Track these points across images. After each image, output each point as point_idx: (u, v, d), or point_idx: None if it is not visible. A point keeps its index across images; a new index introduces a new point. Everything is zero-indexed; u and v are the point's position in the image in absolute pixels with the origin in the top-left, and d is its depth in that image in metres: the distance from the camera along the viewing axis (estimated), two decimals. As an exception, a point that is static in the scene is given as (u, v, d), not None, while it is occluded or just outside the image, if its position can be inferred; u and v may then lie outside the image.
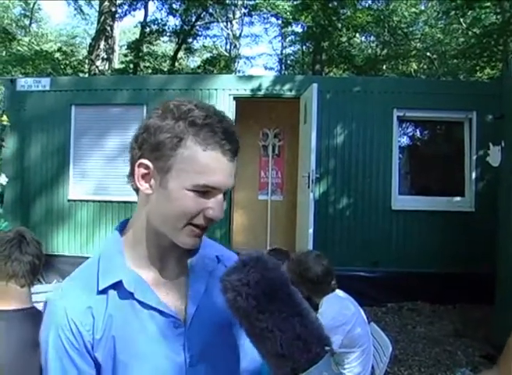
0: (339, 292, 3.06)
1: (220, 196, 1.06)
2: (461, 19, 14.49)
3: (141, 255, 1.13)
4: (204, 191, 1.03)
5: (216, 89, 7.21)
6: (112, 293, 1.08)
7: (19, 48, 17.19)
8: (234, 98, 7.16)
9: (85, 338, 1.04)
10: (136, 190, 1.12)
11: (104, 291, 1.07)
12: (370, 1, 16.94)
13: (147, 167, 1.06)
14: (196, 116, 1.02)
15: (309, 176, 6.01)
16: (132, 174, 1.10)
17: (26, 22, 23.18)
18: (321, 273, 2.92)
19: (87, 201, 7.32)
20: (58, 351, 1.05)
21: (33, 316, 1.91)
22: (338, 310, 2.87)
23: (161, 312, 1.09)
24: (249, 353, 1.18)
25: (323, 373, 0.90)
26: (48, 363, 1.07)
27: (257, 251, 1.02)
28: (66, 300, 1.07)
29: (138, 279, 1.10)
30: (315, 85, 6.06)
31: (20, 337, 1.83)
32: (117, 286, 1.08)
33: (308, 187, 6.05)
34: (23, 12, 22.93)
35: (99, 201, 7.29)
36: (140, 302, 1.08)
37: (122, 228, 1.19)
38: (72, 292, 1.09)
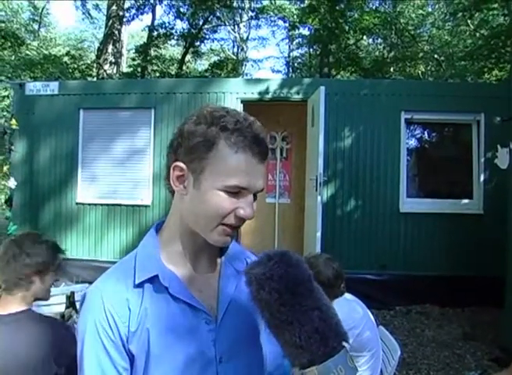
0: (347, 295, 3.05)
1: (250, 196, 1.11)
2: (469, 21, 14.45)
3: (175, 252, 1.18)
4: (235, 192, 1.09)
5: (224, 92, 7.22)
6: (148, 287, 1.12)
7: (27, 52, 17.30)
8: (241, 102, 7.16)
9: (121, 330, 1.09)
10: (172, 192, 1.19)
11: (140, 285, 1.12)
12: (377, 4, 16.94)
13: (181, 169, 1.12)
14: (227, 122, 1.08)
15: (317, 180, 6.01)
16: (168, 177, 1.16)
17: (35, 26, 23.28)
18: (332, 277, 2.91)
19: (95, 204, 7.35)
20: (94, 342, 1.09)
21: (28, 319, 1.95)
22: (347, 314, 2.85)
23: (193, 308, 1.13)
24: (270, 351, 1.25)
25: (338, 367, 0.94)
26: (83, 353, 1.10)
27: (282, 248, 1.06)
28: (104, 292, 1.11)
29: (172, 275, 1.15)
30: (323, 88, 6.06)
31: (15, 340, 1.86)
32: (153, 280, 1.13)
33: (316, 190, 6.04)
34: (31, 16, 23.05)
35: (107, 205, 7.32)
36: (173, 297, 1.12)
37: (159, 227, 1.25)
38: (110, 285, 1.13)
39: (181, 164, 1.12)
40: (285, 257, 1.01)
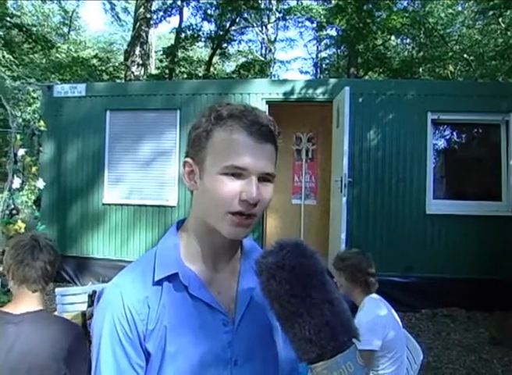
0: (373, 294, 3.04)
1: (253, 178, 1.07)
2: (500, 19, 14.19)
3: (195, 251, 1.18)
4: (236, 175, 1.07)
5: (249, 93, 7.22)
6: (167, 285, 1.12)
7: (57, 55, 17.60)
8: (267, 102, 7.15)
9: (139, 328, 1.08)
10: (192, 192, 1.20)
11: (159, 283, 1.12)
12: (405, 3, 16.77)
13: (190, 165, 1.15)
14: (223, 110, 1.10)
15: (342, 181, 5.97)
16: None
17: (65, 30, 23.70)
18: (369, 269, 2.96)
19: (122, 205, 7.43)
20: (111, 338, 1.09)
21: (40, 319, 1.97)
22: (378, 312, 2.85)
23: (211, 308, 1.13)
24: (284, 355, 1.23)
25: (347, 363, 0.92)
26: (100, 350, 1.10)
27: (296, 237, 1.04)
28: (123, 289, 1.11)
29: (191, 274, 1.14)
30: (347, 88, 6.02)
31: (27, 339, 1.89)
32: (172, 278, 1.12)
33: (341, 191, 6.01)
34: (62, 20, 23.46)
35: (133, 205, 7.38)
36: (192, 296, 1.12)
37: (180, 225, 1.25)
38: (130, 282, 1.13)
39: (188, 159, 1.15)
40: (298, 247, 0.99)
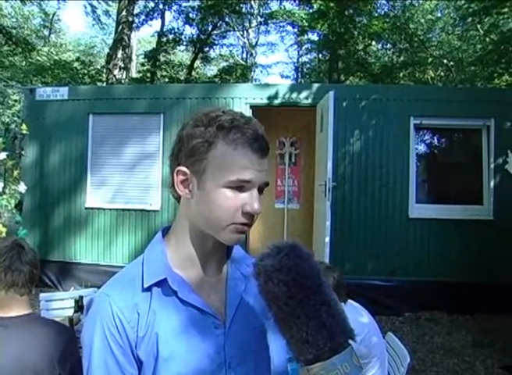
0: (352, 302, 3.04)
1: (255, 191, 1.10)
2: (478, 26, 14.38)
3: (183, 257, 1.17)
4: (239, 188, 1.08)
5: (233, 98, 7.23)
6: (156, 291, 1.11)
7: (38, 57, 17.45)
8: (250, 107, 7.16)
9: (129, 336, 1.07)
10: (178, 198, 1.19)
11: (148, 289, 1.11)
12: (386, 9, 16.91)
13: (184, 173, 1.12)
14: (223, 120, 1.09)
15: (325, 185, 6.00)
16: (172, 184, 1.16)
17: (46, 32, 23.49)
18: (332, 286, 2.90)
19: (104, 209, 7.38)
20: (102, 348, 1.07)
21: (32, 322, 1.99)
22: (353, 320, 2.84)
23: (202, 312, 1.12)
24: (275, 357, 1.23)
25: (344, 364, 0.93)
26: (91, 360, 1.09)
27: (293, 240, 1.05)
28: (112, 297, 1.09)
29: (180, 279, 1.14)
30: (332, 93, 6.05)
31: (19, 342, 1.89)
32: (161, 284, 1.12)
33: (325, 195, 6.03)
34: (42, 22, 23.27)
35: (116, 210, 7.34)
36: (182, 301, 1.11)
37: (165, 232, 1.23)
38: (118, 290, 1.12)
39: (183, 168, 1.12)
40: (295, 249, 1.00)
